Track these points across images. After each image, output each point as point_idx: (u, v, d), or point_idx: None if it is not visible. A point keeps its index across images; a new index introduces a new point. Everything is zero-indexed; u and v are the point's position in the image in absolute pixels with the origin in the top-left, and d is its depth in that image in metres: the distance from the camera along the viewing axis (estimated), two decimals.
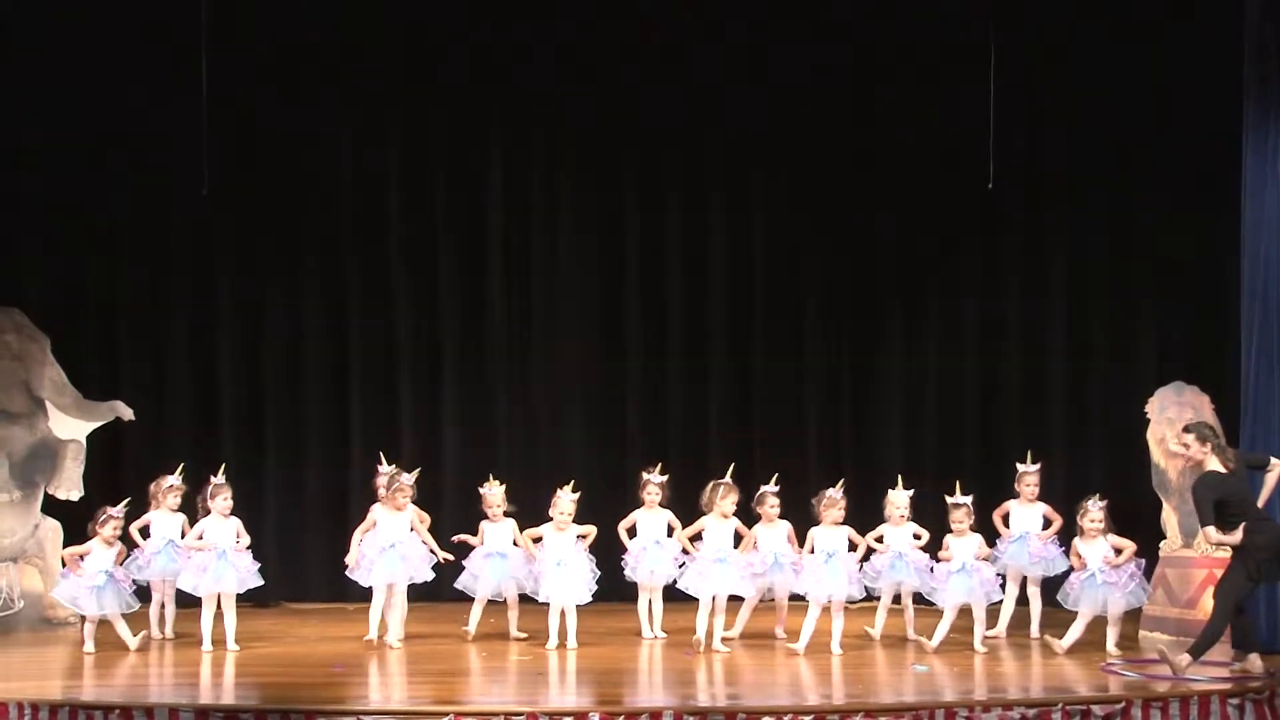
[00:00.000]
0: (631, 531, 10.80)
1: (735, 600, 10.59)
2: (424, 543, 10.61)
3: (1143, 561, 10.28)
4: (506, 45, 12.84)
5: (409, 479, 10.61)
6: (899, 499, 10.61)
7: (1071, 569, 10.27)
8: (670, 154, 13.04)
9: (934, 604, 10.51)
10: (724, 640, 10.38)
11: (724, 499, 10.40)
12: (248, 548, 10.57)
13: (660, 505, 10.74)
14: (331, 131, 12.98)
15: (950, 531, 10.37)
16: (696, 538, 10.49)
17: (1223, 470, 9.44)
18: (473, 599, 10.79)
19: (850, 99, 12.85)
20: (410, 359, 13.07)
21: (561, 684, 9.46)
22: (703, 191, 13.12)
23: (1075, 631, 10.17)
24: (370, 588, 10.55)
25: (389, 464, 10.95)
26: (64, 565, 10.60)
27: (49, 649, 10.81)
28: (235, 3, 12.09)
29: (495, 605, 10.90)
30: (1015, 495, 10.88)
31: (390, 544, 10.43)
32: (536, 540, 10.58)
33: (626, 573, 10.80)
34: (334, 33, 12.77)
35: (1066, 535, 10.55)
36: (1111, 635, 10.16)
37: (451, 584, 10.88)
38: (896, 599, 10.87)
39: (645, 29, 12.81)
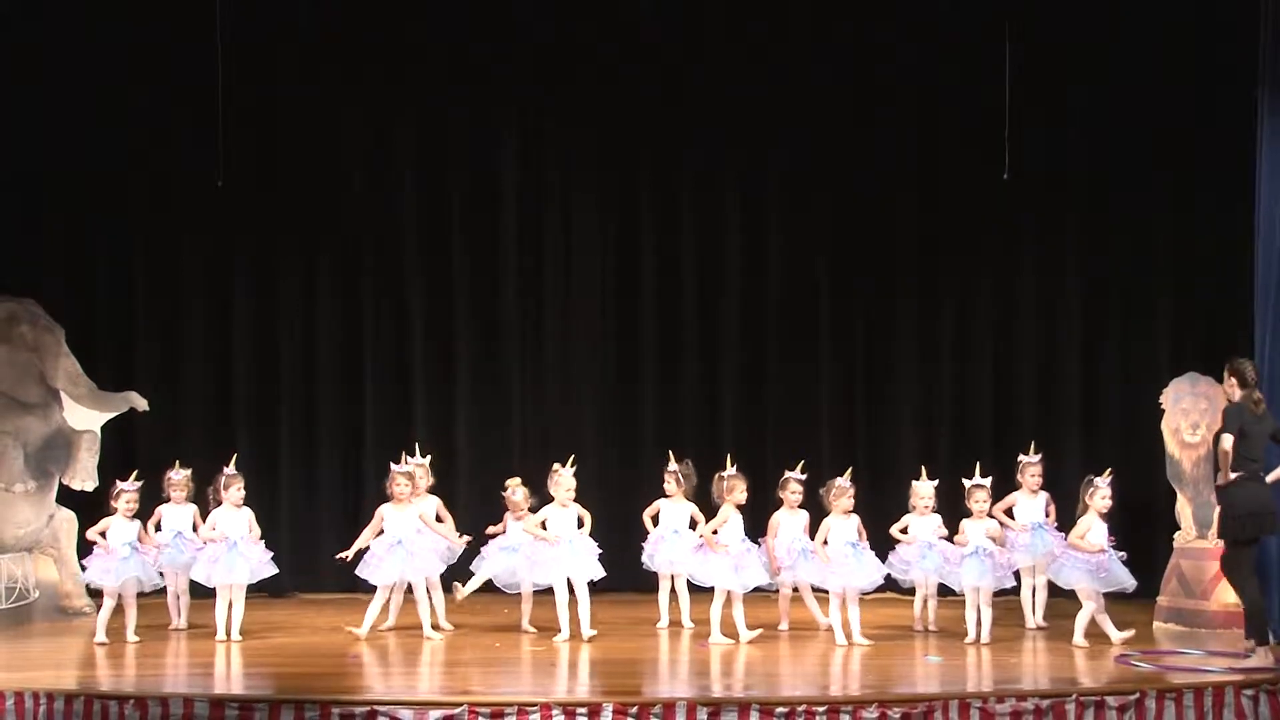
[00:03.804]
0: (655, 520, 10.82)
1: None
2: (441, 535, 10.63)
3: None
4: (523, 42, 12.84)
5: (401, 468, 10.60)
6: (924, 489, 10.60)
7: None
8: (684, 146, 13.02)
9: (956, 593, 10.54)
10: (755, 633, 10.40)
11: (732, 491, 10.40)
12: (259, 538, 10.60)
13: (684, 496, 10.75)
14: (347, 127, 12.98)
15: (969, 514, 10.37)
16: (715, 531, 10.48)
17: (1247, 408, 9.45)
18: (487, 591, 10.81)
19: (866, 92, 12.80)
20: (423, 351, 13.06)
21: (575, 675, 9.45)
22: (718, 186, 13.10)
23: (1082, 620, 10.15)
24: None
25: (417, 456, 10.96)
26: (86, 553, 10.65)
27: (64, 639, 10.84)
28: None
29: (511, 596, 10.91)
30: (1018, 487, 10.84)
31: (397, 540, 10.43)
32: (541, 526, 10.55)
33: (644, 561, 10.81)
34: (349, 28, 12.77)
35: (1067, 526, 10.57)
36: (1106, 623, 10.13)
37: (464, 575, 10.89)
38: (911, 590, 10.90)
39: (659, 24, 12.81)
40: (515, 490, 10.77)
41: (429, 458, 11.04)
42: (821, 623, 10.70)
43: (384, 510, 10.54)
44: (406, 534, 10.45)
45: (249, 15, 12.17)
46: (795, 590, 10.85)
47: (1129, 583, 10.15)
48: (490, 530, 10.87)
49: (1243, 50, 10.76)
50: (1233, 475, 9.35)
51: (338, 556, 10.72)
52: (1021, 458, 10.87)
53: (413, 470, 10.67)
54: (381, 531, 10.49)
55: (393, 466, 10.65)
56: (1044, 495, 10.80)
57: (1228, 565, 9.64)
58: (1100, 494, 10.22)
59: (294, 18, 12.71)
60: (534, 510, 10.67)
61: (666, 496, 10.85)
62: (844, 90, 12.82)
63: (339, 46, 12.79)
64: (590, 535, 10.55)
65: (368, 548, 10.53)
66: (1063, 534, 10.53)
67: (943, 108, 12.70)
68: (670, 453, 10.98)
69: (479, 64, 12.86)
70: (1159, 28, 12.33)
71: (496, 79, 12.88)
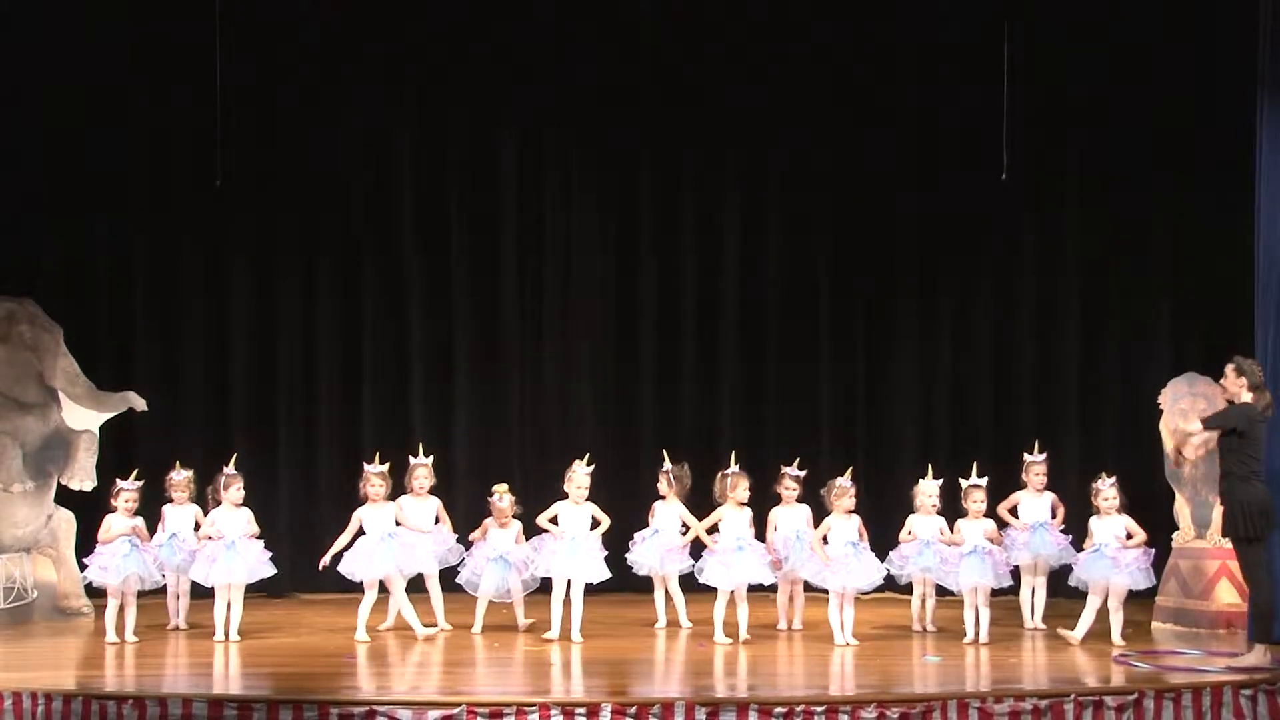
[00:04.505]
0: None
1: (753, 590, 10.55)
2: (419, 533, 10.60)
3: (1151, 552, 10.27)
4: (522, 41, 12.84)
5: (374, 468, 10.58)
6: (929, 488, 10.56)
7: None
8: (684, 146, 13.03)
9: (953, 594, 10.53)
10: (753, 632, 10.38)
11: (735, 488, 10.39)
12: (257, 537, 10.59)
13: (677, 497, 10.73)
14: (347, 127, 12.98)
15: (965, 514, 10.36)
16: (714, 529, 10.47)
17: (1257, 409, 9.41)
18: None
19: (866, 92, 12.81)
20: (423, 352, 13.06)
21: (574, 675, 9.44)
22: (718, 186, 13.10)
23: (1086, 619, 10.17)
24: (380, 582, 10.55)
25: (420, 457, 10.91)
26: (85, 553, 10.65)
27: (62, 639, 10.85)
28: None
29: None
30: (1022, 486, 10.82)
31: (384, 534, 10.43)
32: (552, 520, 10.54)
33: (628, 559, 10.78)
34: (349, 27, 12.77)
35: (1074, 525, 10.54)
36: (1116, 623, 10.14)
37: (456, 579, 10.87)
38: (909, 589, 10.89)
39: (659, 24, 12.83)
40: (501, 497, 10.72)
41: (430, 458, 11.02)
42: (787, 628, 10.72)
43: (360, 513, 10.52)
44: (389, 529, 10.45)
45: (249, 15, 12.17)
46: (809, 588, 10.81)
47: (1136, 582, 10.14)
48: (471, 536, 10.83)
49: (1243, 50, 10.74)
50: (1185, 464, 9.30)
51: (321, 568, 10.69)
52: (1026, 456, 10.86)
53: (385, 470, 10.64)
54: (360, 533, 10.48)
55: (366, 467, 10.64)
56: (1050, 495, 10.78)
57: (1242, 566, 9.63)
58: (1103, 495, 10.26)
59: (294, 18, 12.72)
60: (519, 519, 10.66)
61: (661, 498, 10.83)
62: (844, 90, 12.82)
63: (339, 46, 12.80)
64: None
65: (347, 549, 10.50)
66: (1068, 535, 10.52)
67: (942, 108, 12.70)
68: (664, 453, 10.98)
69: (479, 64, 12.86)
70: (1159, 28, 12.33)
71: (496, 78, 12.87)
